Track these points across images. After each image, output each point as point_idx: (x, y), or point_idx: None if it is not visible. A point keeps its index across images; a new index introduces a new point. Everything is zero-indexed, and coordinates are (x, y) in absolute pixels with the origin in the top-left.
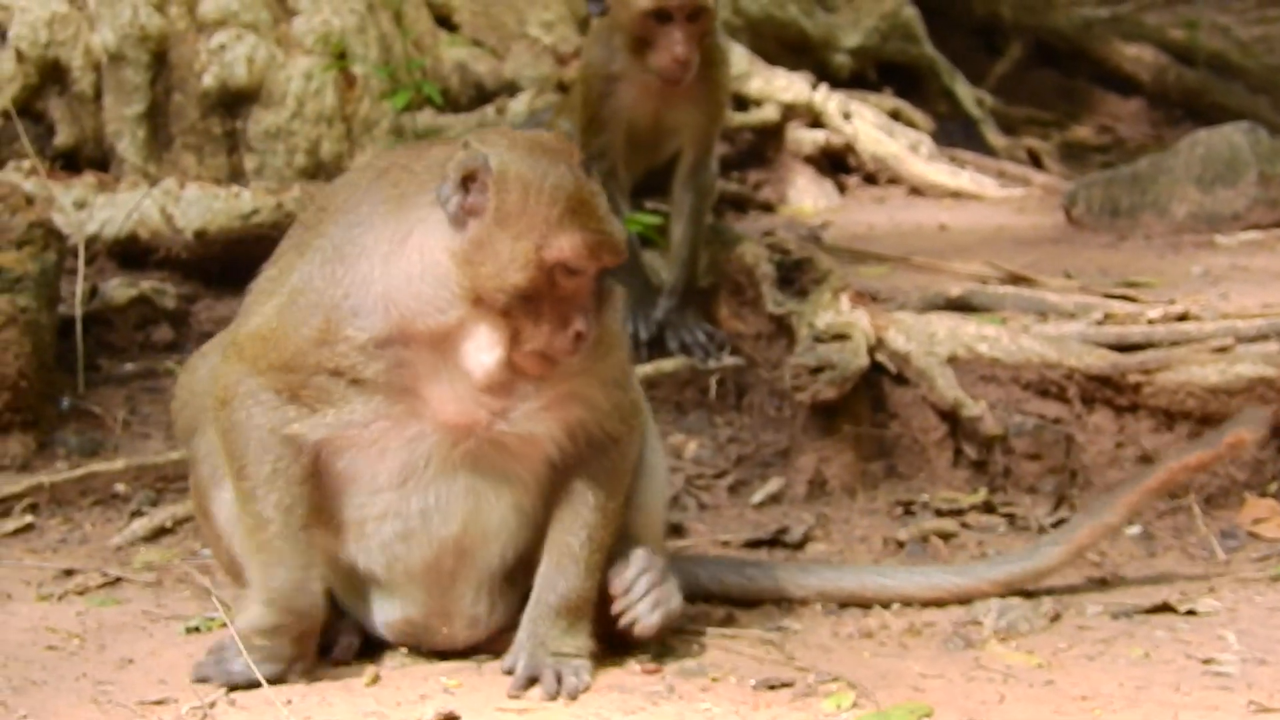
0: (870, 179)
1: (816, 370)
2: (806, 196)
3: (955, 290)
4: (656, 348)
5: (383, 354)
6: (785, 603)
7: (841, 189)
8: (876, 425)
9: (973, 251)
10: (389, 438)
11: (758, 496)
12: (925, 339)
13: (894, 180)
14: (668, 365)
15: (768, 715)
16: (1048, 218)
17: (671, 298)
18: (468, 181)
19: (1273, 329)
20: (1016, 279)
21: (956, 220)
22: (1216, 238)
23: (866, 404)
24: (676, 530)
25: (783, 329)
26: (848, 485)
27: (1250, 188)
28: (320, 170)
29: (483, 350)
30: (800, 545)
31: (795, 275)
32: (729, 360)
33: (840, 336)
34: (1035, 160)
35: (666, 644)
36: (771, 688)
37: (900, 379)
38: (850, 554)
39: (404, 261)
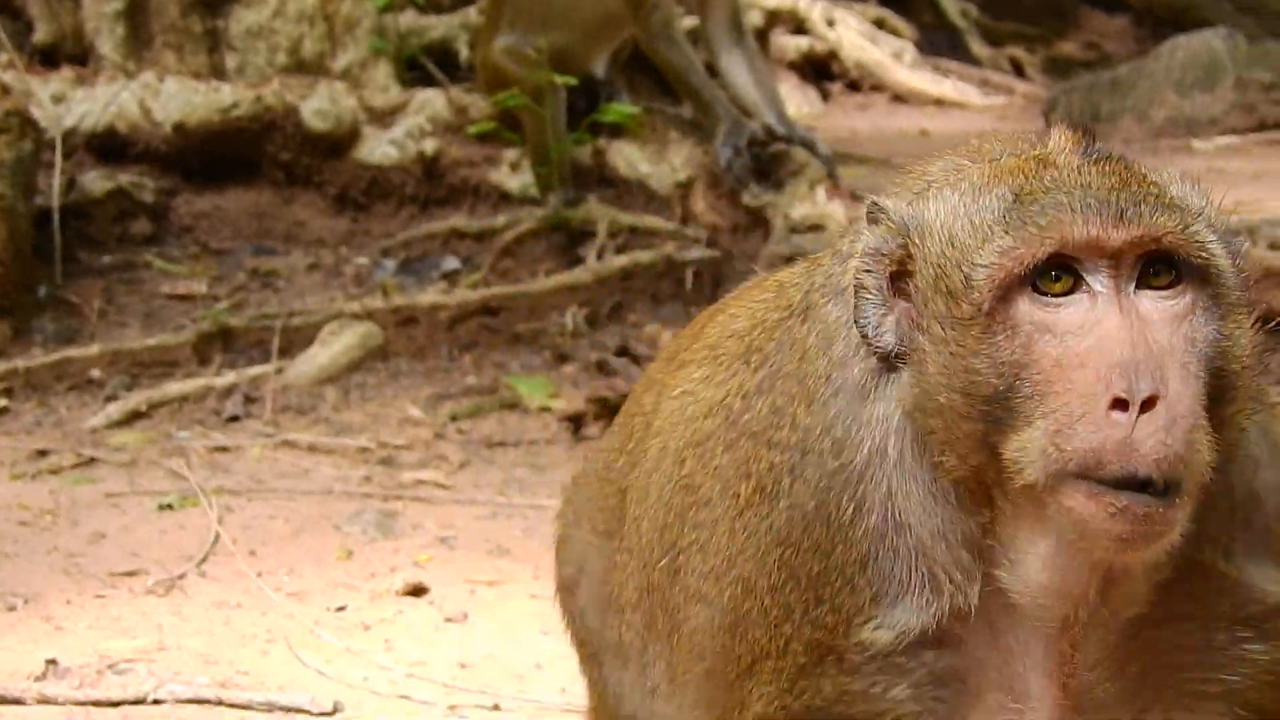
0: (853, 86)
1: (790, 259)
2: (790, 102)
3: None
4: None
5: (916, 662)
6: None
7: (825, 96)
8: None
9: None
10: None
11: None
12: None
13: (877, 87)
14: (644, 257)
15: None
16: (1028, 124)
17: (781, 121)
18: (895, 276)
19: (1244, 225)
20: None
21: (938, 126)
22: (1194, 142)
23: None
24: None
25: (759, 221)
26: None
27: (1228, 93)
28: (301, 68)
29: (1024, 558)
30: None
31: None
32: (707, 251)
33: (816, 227)
34: (1018, 70)
35: None
36: None
37: None
38: None
39: (912, 480)
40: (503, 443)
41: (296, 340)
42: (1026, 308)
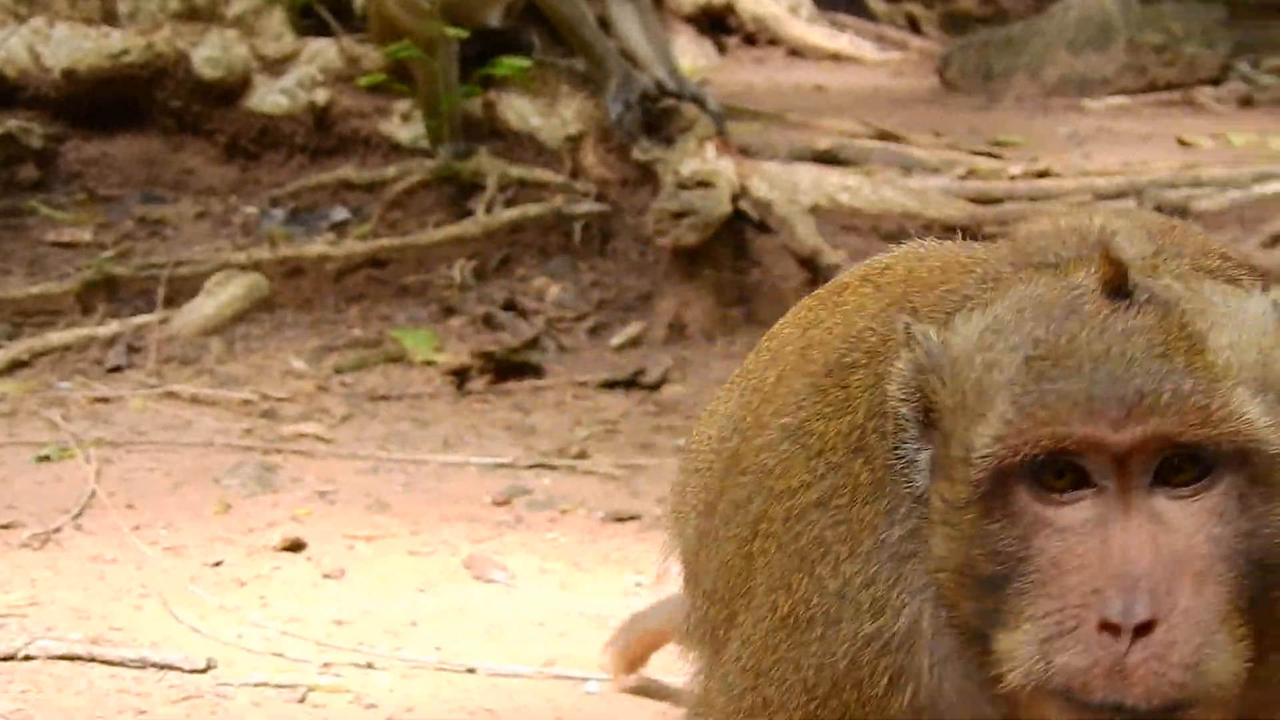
0: (750, 40)
1: (679, 215)
2: (686, 56)
3: (823, 144)
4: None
5: None
6: (639, 439)
7: (721, 49)
8: (737, 271)
9: (846, 111)
10: None
11: (617, 339)
12: (788, 188)
13: (774, 41)
14: (533, 210)
15: (612, 545)
16: (923, 80)
17: (672, 76)
18: (928, 411)
19: (1132, 186)
20: (885, 136)
21: (833, 81)
22: (1085, 101)
23: (728, 250)
24: (535, 371)
25: (648, 176)
26: (707, 329)
27: (1120, 54)
28: (193, 15)
29: None
30: (657, 386)
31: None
32: (596, 205)
33: (704, 184)
34: (914, 26)
35: (519, 478)
36: (618, 520)
37: (762, 226)
38: (706, 396)
39: (945, 660)
40: (386, 396)
41: (183, 290)
42: (1026, 498)
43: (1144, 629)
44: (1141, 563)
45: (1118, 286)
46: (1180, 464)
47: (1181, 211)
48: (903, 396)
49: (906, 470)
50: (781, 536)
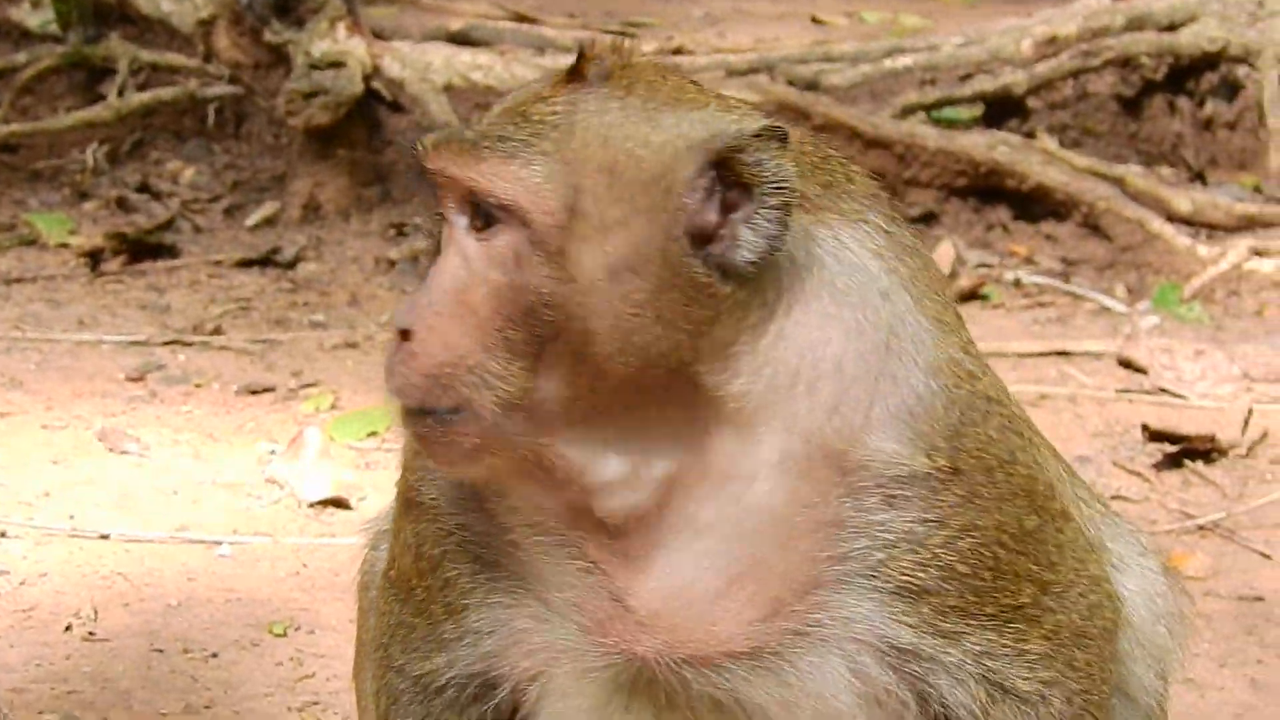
0: None
1: (311, 96)
2: None
3: (456, 25)
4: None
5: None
6: (274, 315)
7: None
8: (372, 151)
9: None
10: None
11: (252, 219)
12: (421, 68)
13: None
14: (166, 94)
15: (246, 416)
16: None
17: None
18: None
19: (764, 62)
20: (519, 18)
21: None
22: None
23: (362, 131)
24: (170, 251)
25: (280, 58)
26: (342, 208)
27: None
28: None
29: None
30: (292, 264)
31: (293, 5)
32: (229, 88)
33: (336, 64)
34: None
35: (153, 354)
36: (253, 392)
37: (395, 106)
38: (342, 273)
39: None
40: (20, 279)
41: None
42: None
43: (404, 335)
44: (434, 283)
45: (578, 66)
46: (476, 211)
47: (813, 86)
48: None
49: None
50: None
